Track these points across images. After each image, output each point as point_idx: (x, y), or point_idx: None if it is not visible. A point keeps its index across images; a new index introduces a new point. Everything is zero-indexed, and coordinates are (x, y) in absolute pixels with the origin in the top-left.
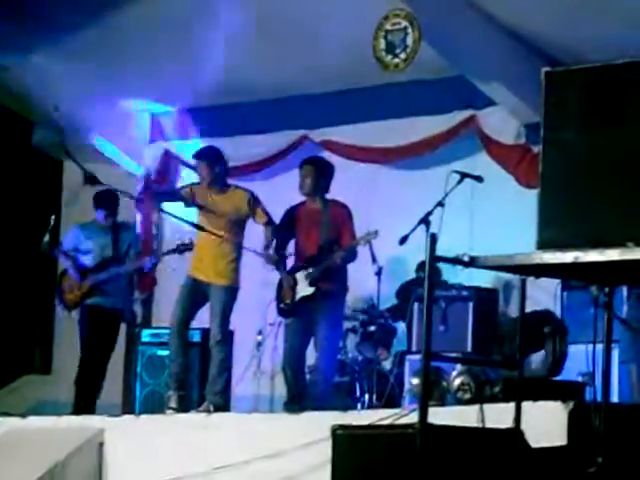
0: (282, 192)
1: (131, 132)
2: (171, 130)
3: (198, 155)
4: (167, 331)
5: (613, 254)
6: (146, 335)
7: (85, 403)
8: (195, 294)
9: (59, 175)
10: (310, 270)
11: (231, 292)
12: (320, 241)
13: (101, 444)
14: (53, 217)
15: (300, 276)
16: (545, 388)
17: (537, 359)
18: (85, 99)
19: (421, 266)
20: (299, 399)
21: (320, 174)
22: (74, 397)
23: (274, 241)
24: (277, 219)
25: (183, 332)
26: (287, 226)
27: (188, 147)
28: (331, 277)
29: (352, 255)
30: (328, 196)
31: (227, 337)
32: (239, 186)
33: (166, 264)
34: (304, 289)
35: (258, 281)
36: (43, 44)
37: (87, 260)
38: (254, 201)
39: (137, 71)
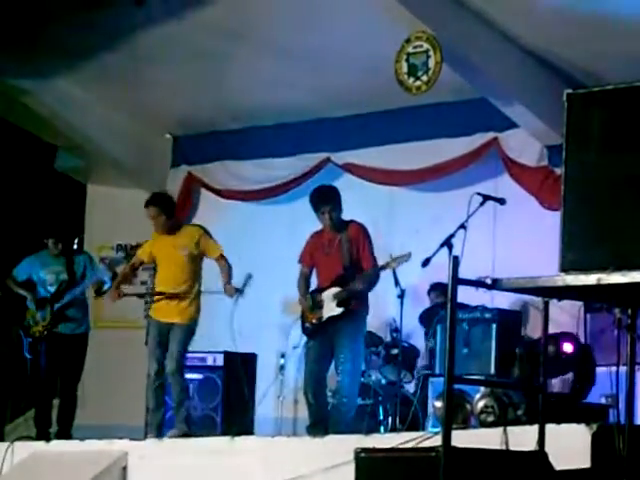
0: (305, 215)
1: (154, 155)
2: (194, 154)
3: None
4: (191, 354)
5: (636, 276)
6: None
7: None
8: (163, 337)
9: (82, 199)
10: (338, 290)
11: (189, 331)
12: (344, 261)
13: (124, 468)
14: (77, 241)
15: (326, 295)
16: (569, 410)
17: (559, 383)
18: (109, 123)
19: (433, 287)
20: (322, 422)
21: (335, 206)
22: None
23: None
24: (301, 241)
25: (162, 382)
26: (311, 254)
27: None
28: (351, 299)
29: (375, 278)
30: (347, 217)
31: (183, 370)
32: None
33: None
34: (331, 309)
35: (281, 305)
36: (66, 68)
37: (45, 290)
38: (205, 235)
39: (159, 94)
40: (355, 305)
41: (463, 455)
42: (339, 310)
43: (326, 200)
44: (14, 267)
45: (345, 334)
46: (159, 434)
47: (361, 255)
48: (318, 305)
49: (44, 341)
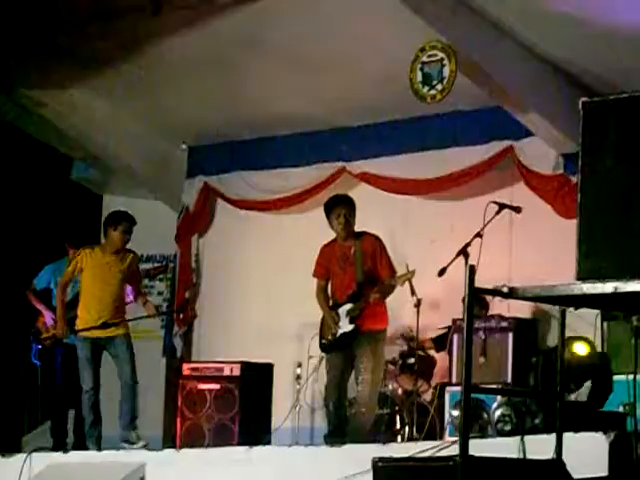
0: (320, 225)
1: (170, 166)
2: (209, 164)
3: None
4: (208, 365)
5: None
6: (187, 369)
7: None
8: (98, 354)
9: (98, 210)
10: (350, 307)
11: (130, 340)
12: (357, 277)
13: (142, 478)
14: None
15: (341, 312)
16: (586, 419)
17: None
18: (124, 134)
19: None
20: (340, 431)
21: (350, 210)
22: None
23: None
24: (317, 251)
25: (97, 397)
26: (325, 267)
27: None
28: (371, 312)
29: (390, 288)
30: (362, 227)
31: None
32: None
33: (204, 297)
34: (344, 326)
35: (297, 315)
36: (82, 80)
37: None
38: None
39: (176, 105)
40: (371, 319)
41: (480, 464)
42: (351, 327)
43: (341, 203)
44: (30, 278)
45: (366, 345)
46: (99, 447)
47: (378, 267)
48: (335, 321)
49: (56, 350)
